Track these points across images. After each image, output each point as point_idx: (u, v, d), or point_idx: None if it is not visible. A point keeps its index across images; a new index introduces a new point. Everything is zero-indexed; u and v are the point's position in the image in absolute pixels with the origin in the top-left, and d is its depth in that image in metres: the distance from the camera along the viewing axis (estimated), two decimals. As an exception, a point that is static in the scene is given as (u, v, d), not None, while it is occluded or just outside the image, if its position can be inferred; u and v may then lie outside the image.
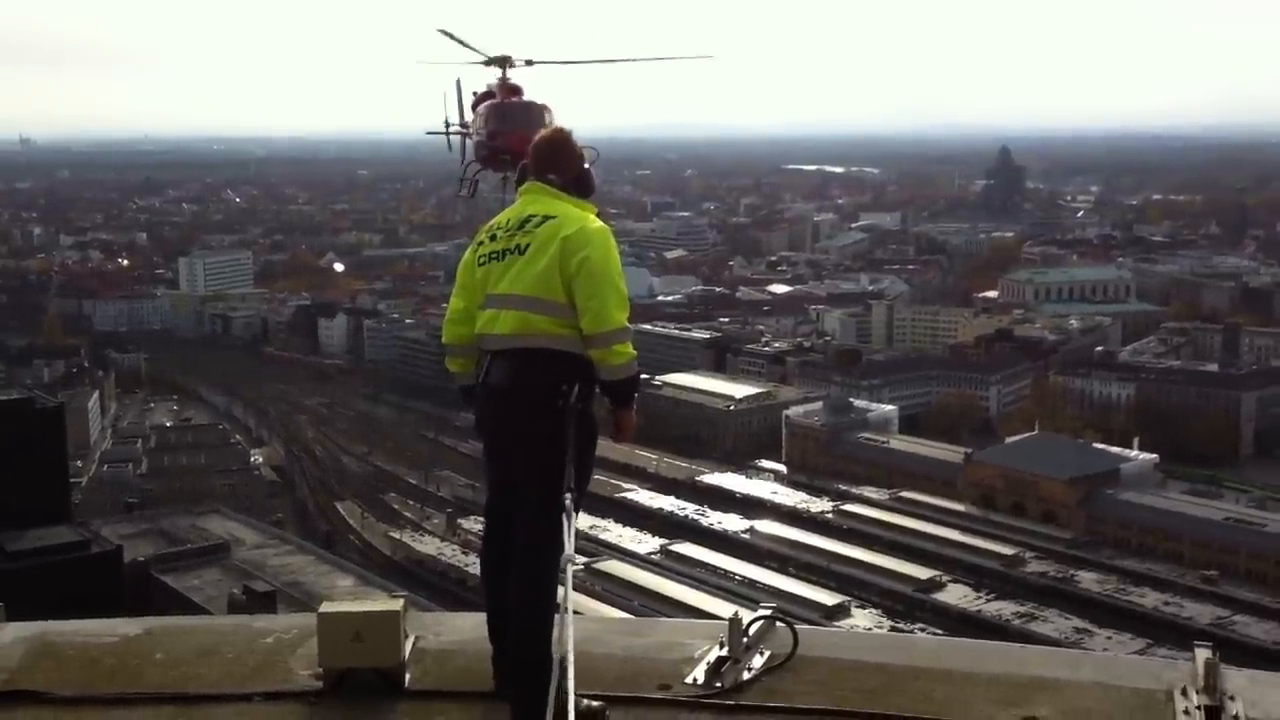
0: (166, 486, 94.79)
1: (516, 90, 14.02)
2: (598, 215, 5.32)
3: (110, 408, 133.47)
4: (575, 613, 4.56)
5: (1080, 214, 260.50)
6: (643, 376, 5.48)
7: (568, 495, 4.87)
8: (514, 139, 13.72)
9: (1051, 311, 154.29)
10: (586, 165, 5.45)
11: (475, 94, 14.49)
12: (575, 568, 4.88)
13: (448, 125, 15.10)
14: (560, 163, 5.40)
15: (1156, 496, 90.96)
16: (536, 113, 13.81)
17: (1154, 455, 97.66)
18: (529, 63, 13.94)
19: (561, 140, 5.49)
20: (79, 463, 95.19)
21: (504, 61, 13.88)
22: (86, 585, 41.57)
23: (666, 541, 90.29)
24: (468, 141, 14.81)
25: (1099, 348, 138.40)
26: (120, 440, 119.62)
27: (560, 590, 4.78)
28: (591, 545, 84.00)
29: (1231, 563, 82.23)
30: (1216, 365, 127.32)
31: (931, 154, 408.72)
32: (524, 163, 5.56)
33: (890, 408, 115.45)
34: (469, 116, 14.78)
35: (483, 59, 13.88)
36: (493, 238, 5.30)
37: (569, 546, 4.77)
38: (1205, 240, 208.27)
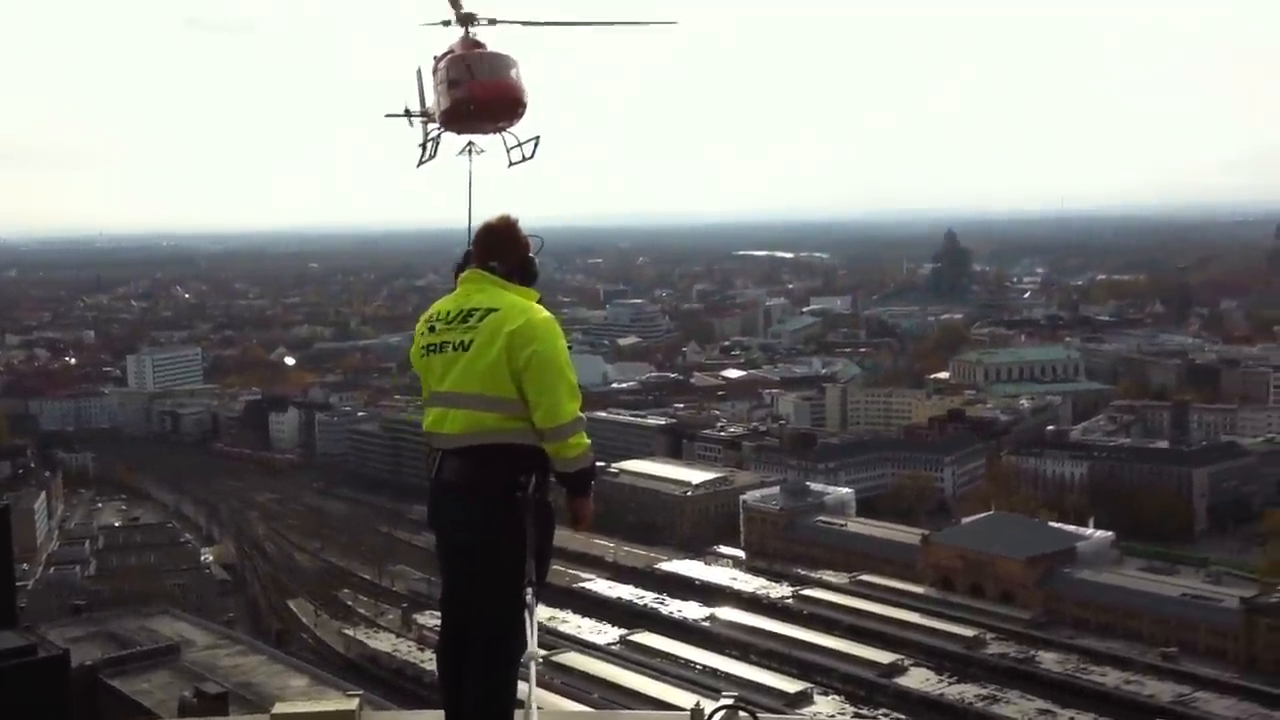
0: (115, 588, 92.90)
1: (479, 45, 13.57)
2: (541, 302, 5.26)
3: (57, 508, 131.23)
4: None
5: (1027, 295, 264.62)
6: (599, 464, 5.41)
7: (529, 589, 4.78)
8: (478, 87, 13.15)
9: (1002, 392, 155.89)
10: (530, 254, 5.41)
11: (435, 57, 14.03)
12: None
13: (408, 112, 14.63)
14: (503, 250, 5.33)
15: (1113, 574, 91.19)
16: (502, 61, 13.31)
17: (1109, 533, 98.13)
18: (492, 21, 13.57)
19: (505, 227, 5.43)
20: (25, 565, 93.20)
21: (468, 19, 13.50)
22: (33, 692, 40.60)
23: (626, 631, 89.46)
24: (429, 126, 14.34)
25: (1050, 427, 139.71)
26: (68, 541, 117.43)
27: (523, 686, 4.69)
28: (550, 637, 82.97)
29: (1190, 639, 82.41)
30: (1167, 442, 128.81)
31: (880, 239, 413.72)
32: (467, 249, 5.49)
33: (847, 490, 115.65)
34: (430, 100, 14.29)
35: (442, 21, 13.45)
36: (431, 329, 5.22)
37: (532, 642, 4.68)
38: (1150, 319, 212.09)
